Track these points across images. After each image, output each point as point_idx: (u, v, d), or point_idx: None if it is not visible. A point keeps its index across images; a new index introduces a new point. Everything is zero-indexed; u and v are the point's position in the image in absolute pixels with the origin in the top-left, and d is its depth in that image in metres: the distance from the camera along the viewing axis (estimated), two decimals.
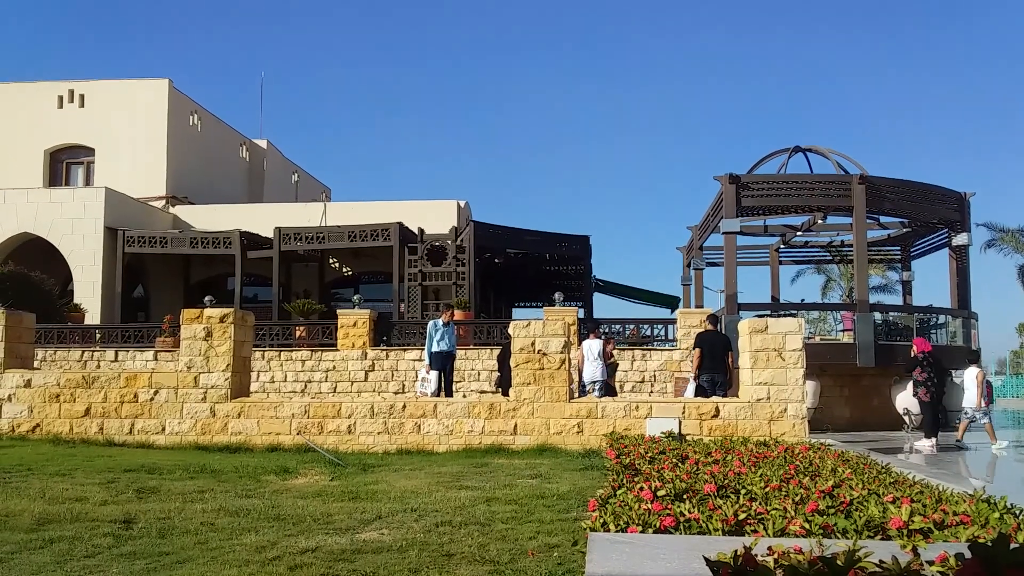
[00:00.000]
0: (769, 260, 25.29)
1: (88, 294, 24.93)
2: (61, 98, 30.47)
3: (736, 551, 2.91)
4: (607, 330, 20.15)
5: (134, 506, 7.33)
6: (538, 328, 12.41)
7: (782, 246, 24.75)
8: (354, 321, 20.15)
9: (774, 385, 11.84)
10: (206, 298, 20.53)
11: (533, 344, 12.31)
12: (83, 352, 20.51)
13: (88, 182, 29.59)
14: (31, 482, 8.58)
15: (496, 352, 17.38)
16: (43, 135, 30.14)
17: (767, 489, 4.67)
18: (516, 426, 12.13)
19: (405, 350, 19.86)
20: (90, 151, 30.37)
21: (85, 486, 8.35)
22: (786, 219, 22.63)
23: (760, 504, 4.17)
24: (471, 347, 19.83)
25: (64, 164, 30.60)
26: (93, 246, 25.25)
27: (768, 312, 19.73)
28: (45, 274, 23.05)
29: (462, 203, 29.45)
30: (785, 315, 16.79)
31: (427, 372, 14.85)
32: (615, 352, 16.38)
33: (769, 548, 2.98)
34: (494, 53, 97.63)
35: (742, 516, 3.86)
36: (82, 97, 30.47)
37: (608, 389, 14.74)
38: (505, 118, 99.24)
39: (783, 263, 26.30)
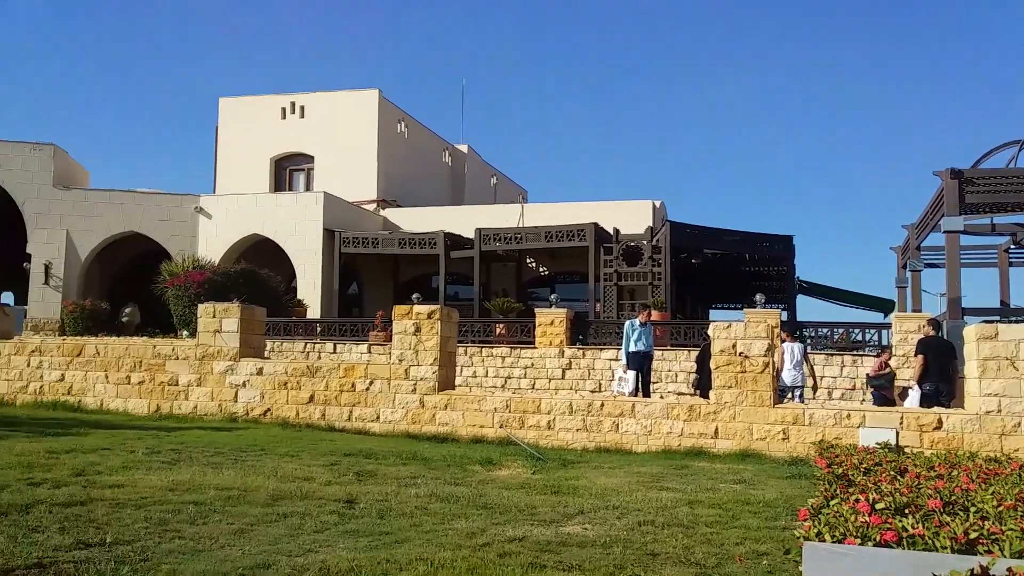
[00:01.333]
0: (997, 261, 23.21)
1: (309, 290, 26.95)
2: (284, 110, 33.11)
3: (972, 569, 2.74)
4: (813, 334, 19.30)
5: (355, 487, 7.89)
6: (739, 330, 12.10)
7: (1012, 246, 22.64)
8: (551, 320, 20.51)
9: (1006, 397, 10.87)
10: (413, 295, 21.62)
11: (734, 346, 12.02)
12: (305, 344, 22.21)
13: (308, 187, 31.97)
14: (264, 461, 9.42)
15: (694, 354, 17.11)
16: (269, 144, 32.89)
17: (1000, 508, 4.33)
18: (716, 429, 11.90)
19: (601, 349, 19.98)
20: (310, 158, 32.81)
21: (311, 467, 9.07)
22: (1017, 217, 20.69)
23: (993, 523, 3.89)
24: (668, 348, 19.64)
25: (287, 171, 33.26)
26: (313, 246, 27.27)
27: (997, 317, 18.12)
28: (272, 272, 25.16)
29: (657, 203, 29.20)
30: (1018, 321, 15.36)
31: (624, 372, 14.87)
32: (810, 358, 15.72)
33: (1009, 570, 2.78)
34: (690, 49, 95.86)
35: (973, 535, 3.62)
36: (302, 108, 32.97)
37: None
38: (702, 114, 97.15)
39: (1014, 265, 24.05)
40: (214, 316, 15.00)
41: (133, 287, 27.98)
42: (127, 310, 25.46)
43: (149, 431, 12.05)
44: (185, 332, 22.10)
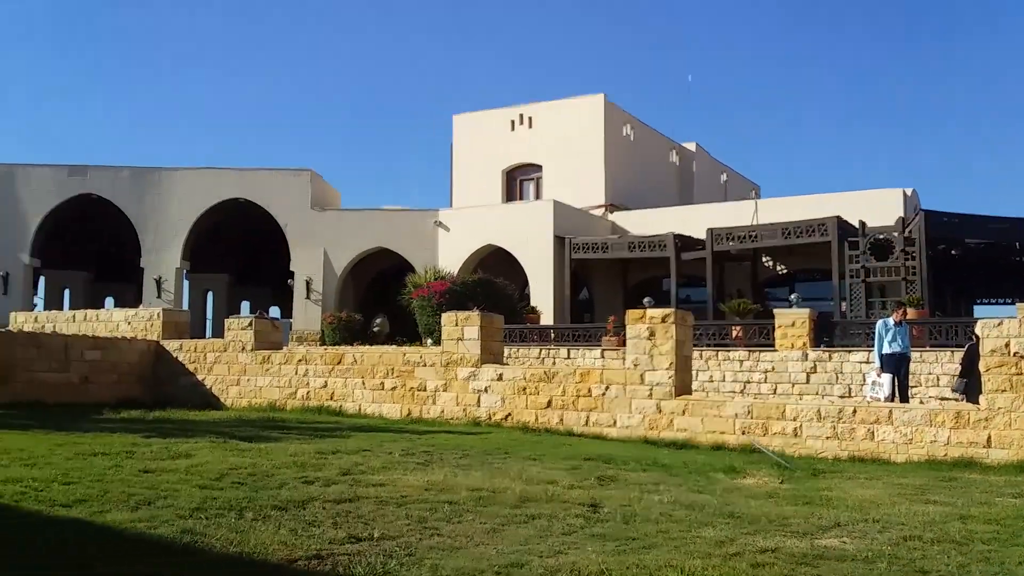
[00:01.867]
0: None
1: (542, 297, 27.59)
2: (513, 122, 34.17)
3: None
4: None
5: (597, 492, 7.93)
6: (1013, 327, 10.88)
7: None
8: (792, 321, 19.57)
9: None
10: (645, 299, 21.49)
11: (1007, 345, 10.83)
12: (540, 350, 22.73)
13: (538, 196, 32.78)
14: (509, 464, 9.71)
15: (958, 355, 15.62)
16: (500, 156, 34.08)
17: None
18: (989, 438, 10.76)
19: (849, 351, 18.77)
20: (538, 167, 33.62)
21: (553, 470, 9.24)
22: None
23: None
24: (926, 349, 18.07)
25: (518, 181, 34.29)
26: (544, 254, 27.89)
27: None
28: (507, 280, 26.02)
29: (908, 191, 27.01)
30: None
31: (877, 375, 13.87)
32: None
33: None
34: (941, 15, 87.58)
35: None
36: (530, 119, 33.87)
37: None
38: (952, 92, 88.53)
39: None
40: (456, 324, 15.72)
41: (381, 299, 30.09)
42: (378, 320, 27.38)
43: (403, 434, 12.83)
44: (429, 340, 23.39)
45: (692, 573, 5.06)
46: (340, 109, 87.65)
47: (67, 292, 34.86)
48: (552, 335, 23.97)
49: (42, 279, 33.74)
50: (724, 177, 40.99)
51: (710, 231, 25.54)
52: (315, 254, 29.91)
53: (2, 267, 30.16)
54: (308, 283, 29.78)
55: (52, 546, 5.36)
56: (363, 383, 16.68)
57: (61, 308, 31.81)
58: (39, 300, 33.23)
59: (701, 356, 20.36)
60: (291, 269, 30.14)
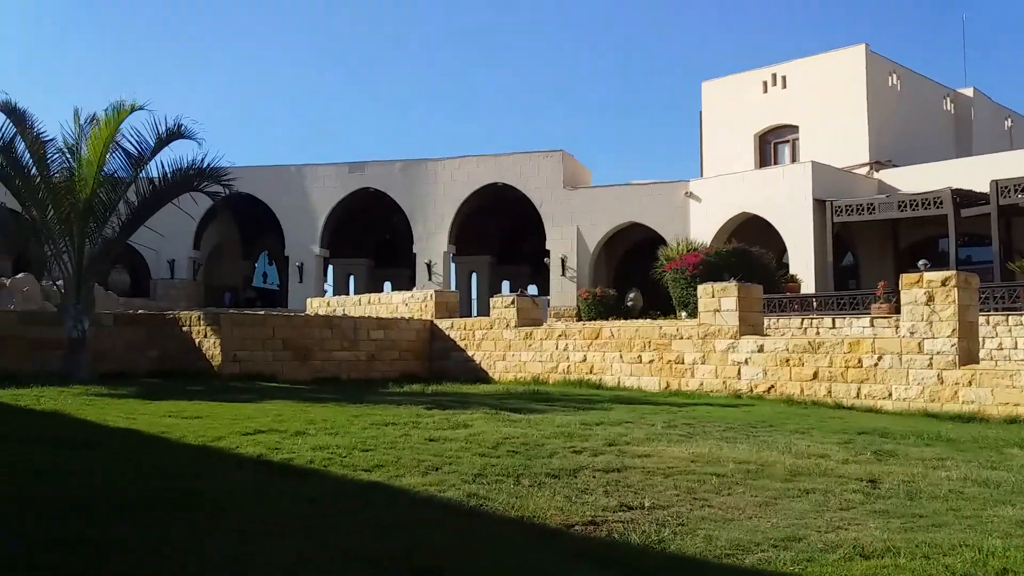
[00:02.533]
0: None
1: (801, 265, 26.35)
2: (765, 83, 32.73)
3: None
4: None
5: (875, 467, 7.56)
6: None
7: None
8: None
9: None
10: (920, 262, 19.83)
11: None
12: (802, 320, 21.76)
13: (794, 158, 31.23)
14: (775, 437, 9.50)
15: None
16: (752, 120, 32.83)
17: None
18: None
19: None
20: (794, 128, 31.99)
21: (823, 444, 8.91)
22: None
23: None
24: None
25: (772, 144, 32.86)
26: (803, 219, 26.57)
27: None
28: (763, 249, 25.12)
29: None
30: None
31: None
32: None
33: None
34: None
35: None
36: (783, 79, 32.26)
37: None
38: None
39: None
40: (712, 296, 15.51)
41: (633, 273, 30.23)
42: (631, 295, 27.59)
43: (661, 406, 12.93)
44: (684, 313, 23.21)
45: (992, 552, 4.73)
46: (588, 90, 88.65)
47: (352, 278, 38.43)
48: (814, 304, 22.86)
49: (330, 267, 37.43)
50: (1009, 123, 36.61)
51: (994, 183, 23.00)
52: (569, 232, 30.65)
53: (298, 258, 33.87)
54: (563, 260, 30.60)
55: (361, 506, 6.06)
56: (620, 356, 16.96)
57: (347, 293, 35.20)
58: (328, 287, 36.93)
59: (988, 322, 18.50)
60: (547, 248, 31.12)
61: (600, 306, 27.23)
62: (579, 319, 27.11)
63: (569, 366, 17.90)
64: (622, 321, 20.51)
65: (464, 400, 13.51)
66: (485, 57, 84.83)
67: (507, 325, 19.24)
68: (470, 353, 19.86)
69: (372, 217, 35.74)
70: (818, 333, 21.03)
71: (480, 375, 19.22)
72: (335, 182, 33.75)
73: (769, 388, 14.44)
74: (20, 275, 25.05)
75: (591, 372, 17.45)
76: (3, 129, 15.70)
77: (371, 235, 37.70)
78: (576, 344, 17.88)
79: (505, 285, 38.14)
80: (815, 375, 13.82)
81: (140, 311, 21.82)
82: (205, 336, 17.84)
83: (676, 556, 4.79)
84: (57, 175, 16.33)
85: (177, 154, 17.05)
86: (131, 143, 16.42)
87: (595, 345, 17.52)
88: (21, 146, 16.03)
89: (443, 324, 20.72)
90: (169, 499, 5.95)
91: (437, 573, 4.37)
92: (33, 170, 16.19)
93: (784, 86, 32.24)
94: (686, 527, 5.35)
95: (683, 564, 4.66)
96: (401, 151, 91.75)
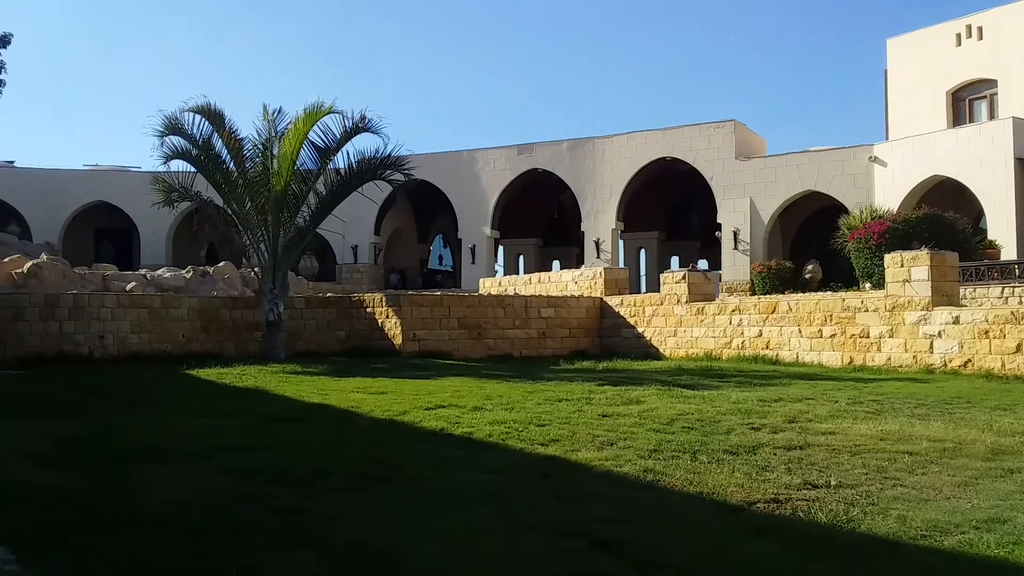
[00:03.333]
0: None
1: (1001, 229, 24.25)
2: (958, 36, 30.20)
3: None
4: None
5: None
6: None
7: None
8: None
9: None
10: None
11: None
12: (1002, 288, 20.06)
13: (992, 115, 28.69)
14: (973, 414, 8.86)
15: None
16: (943, 77, 30.41)
17: None
18: None
19: None
20: (991, 83, 29.37)
21: None
22: None
23: None
24: None
25: (966, 101, 30.33)
26: (1003, 180, 24.42)
27: None
28: (957, 213, 23.34)
29: None
30: None
31: None
32: None
33: None
34: None
35: None
36: (979, 30, 29.64)
37: None
38: None
39: None
40: (902, 265, 14.62)
41: (810, 244, 28.91)
42: (809, 267, 26.42)
43: (845, 382, 12.35)
44: (868, 284, 21.99)
45: None
46: (762, 56, 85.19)
47: (521, 258, 39.09)
48: (1016, 271, 21.00)
49: (500, 248, 38.23)
50: None
51: None
52: (741, 204, 29.70)
53: (470, 240, 34.82)
54: (735, 233, 29.71)
55: (539, 478, 6.22)
56: (799, 331, 16.33)
57: (517, 273, 35.84)
58: (499, 267, 37.74)
59: None
60: (718, 221, 30.32)
61: (775, 279, 26.28)
62: (753, 293, 26.27)
63: (743, 341, 17.42)
64: (800, 294, 19.72)
65: (635, 376, 13.47)
66: (651, 28, 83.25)
67: (678, 301, 18.95)
68: (640, 330, 19.74)
69: (540, 197, 36.13)
70: (1021, 302, 19.38)
71: (650, 352, 19.06)
72: (504, 164, 34.34)
73: (965, 362, 13.45)
74: (221, 263, 27.21)
75: (767, 347, 16.90)
76: (201, 128, 17.08)
77: (539, 215, 38.12)
78: (751, 319, 17.36)
79: (674, 261, 37.53)
80: (1018, 348, 12.74)
81: (328, 294, 23.19)
82: (387, 316, 18.74)
83: (867, 536, 4.59)
84: (252, 170, 17.60)
85: (359, 145, 17.94)
86: (320, 138, 17.46)
87: (771, 320, 16.94)
88: (219, 144, 17.38)
89: (612, 301, 20.69)
90: (363, 470, 6.34)
91: (618, 545, 4.42)
92: (231, 165, 17.52)
93: (980, 37, 29.62)
94: (877, 507, 5.12)
95: (875, 544, 4.46)
96: (568, 131, 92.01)
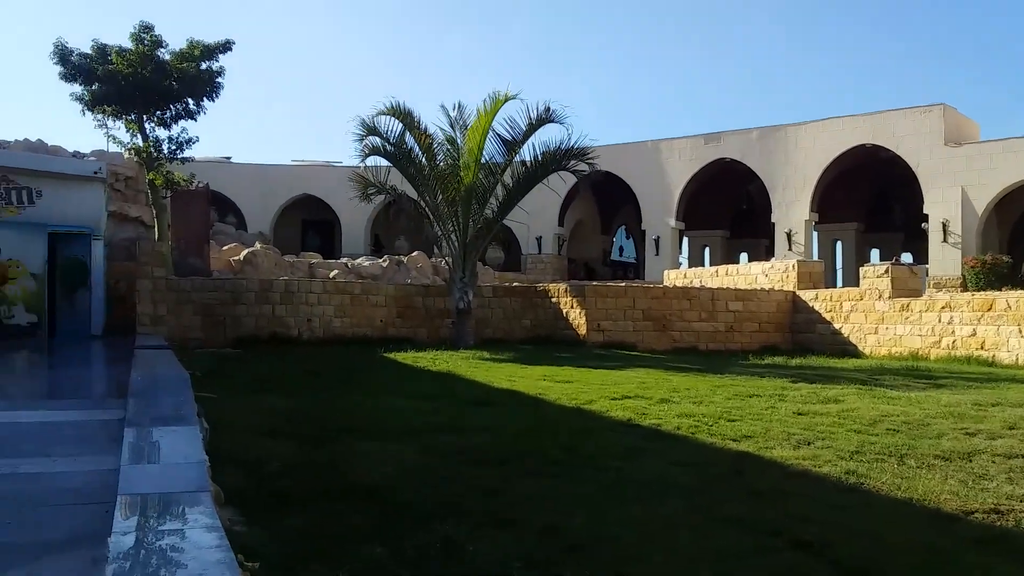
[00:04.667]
0: None
1: None
2: None
3: None
4: None
5: None
6: None
7: None
8: None
9: None
10: None
11: None
12: None
13: None
14: None
15: None
16: None
17: None
18: None
19: None
20: None
21: None
22: None
23: None
24: None
25: None
26: None
27: None
28: None
29: None
30: None
31: None
32: None
33: None
34: None
35: None
36: None
37: None
38: None
39: None
40: None
41: None
42: None
43: None
44: None
45: None
46: (972, 34, 78.43)
47: (706, 250, 38.21)
48: None
49: (685, 239, 37.54)
50: None
51: None
52: (951, 194, 27.52)
53: (654, 231, 34.44)
54: (944, 225, 27.57)
55: (732, 474, 6.09)
56: (1019, 331, 14.98)
57: (702, 265, 35.06)
58: (683, 259, 37.08)
59: None
60: (924, 212, 28.28)
61: (991, 275, 24.19)
62: (964, 289, 24.29)
63: (954, 341, 16.18)
64: (1020, 291, 18.07)
65: (832, 374, 12.87)
66: (848, 10, 78.65)
67: (879, 296, 17.88)
68: (836, 326, 18.79)
69: (728, 188, 35.12)
70: None
71: (847, 349, 18.10)
72: (690, 154, 33.65)
73: None
74: (414, 252, 28.47)
75: (982, 348, 15.61)
76: (394, 127, 17.96)
77: (726, 206, 37.07)
78: (963, 317, 16.09)
79: (874, 254, 35.35)
80: None
81: (514, 284, 23.71)
82: (571, 307, 18.91)
83: None
84: (442, 163, 18.29)
85: (542, 137, 18.21)
86: (505, 130, 17.90)
87: (987, 318, 15.63)
88: (411, 140, 18.18)
89: (806, 295, 19.81)
90: (554, 456, 6.47)
91: (821, 547, 4.27)
92: (422, 160, 18.29)
93: None
94: None
95: None
96: (757, 119, 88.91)
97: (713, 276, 23.87)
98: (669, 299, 19.35)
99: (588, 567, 3.94)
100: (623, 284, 21.97)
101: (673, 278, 25.23)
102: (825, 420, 8.18)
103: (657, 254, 34.25)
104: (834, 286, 28.61)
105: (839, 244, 35.50)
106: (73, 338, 16.31)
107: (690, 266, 34.08)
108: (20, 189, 16.41)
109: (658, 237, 34.41)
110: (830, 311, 19.00)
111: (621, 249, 42.28)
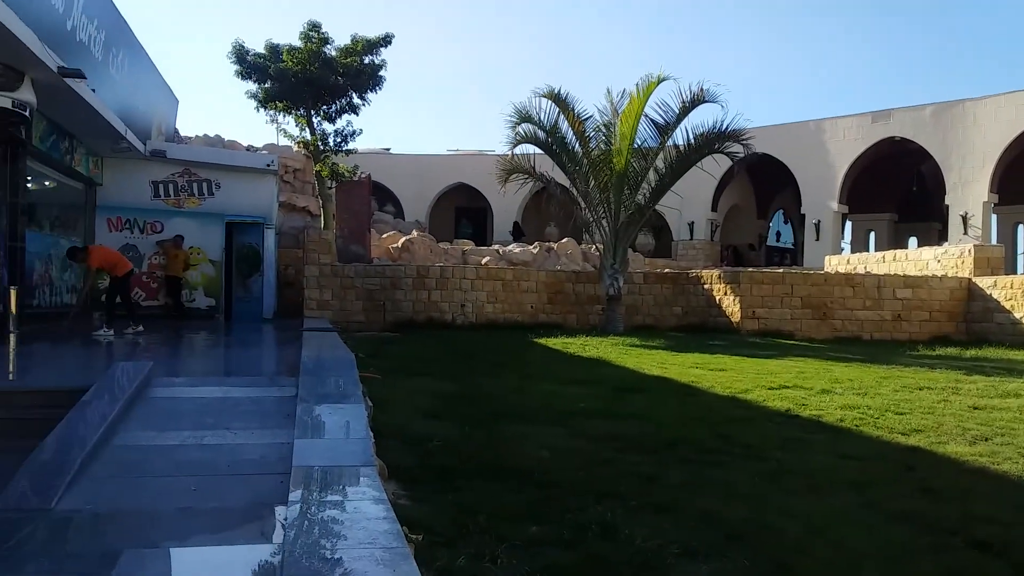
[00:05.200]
0: None
1: None
2: None
3: None
4: None
5: None
6: None
7: None
8: None
9: None
10: None
11: None
12: None
13: None
14: None
15: None
16: None
17: None
18: None
19: None
20: None
21: None
22: None
23: None
24: None
25: None
26: None
27: None
28: None
29: None
30: None
31: None
32: None
33: None
34: None
35: None
36: None
37: None
38: None
39: None
40: None
41: None
42: None
43: None
44: None
45: None
46: None
47: (871, 235, 36.27)
48: None
49: (848, 224, 35.77)
50: None
51: None
52: None
53: (814, 215, 33.00)
54: None
55: (902, 469, 5.79)
56: None
57: (866, 250, 33.28)
58: (845, 244, 35.37)
59: None
60: None
61: None
62: None
63: None
64: None
65: (1012, 367, 11.99)
66: None
67: None
68: (1018, 315, 17.39)
69: (896, 168, 33.13)
70: None
71: None
72: (856, 134, 31.96)
73: None
74: (564, 239, 28.57)
75: None
76: (549, 113, 18.01)
77: (894, 188, 34.98)
78: None
79: None
80: None
81: (665, 270, 23.37)
82: (724, 294, 18.45)
83: None
84: (595, 149, 18.23)
85: (695, 120, 17.81)
86: (657, 114, 17.65)
87: None
88: (564, 126, 18.21)
89: (984, 283, 18.43)
90: (709, 444, 6.36)
91: (1002, 549, 4.00)
92: (576, 147, 18.29)
93: None
94: None
95: None
96: (930, 95, 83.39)
97: (879, 262, 22.60)
98: (830, 286, 18.51)
99: (748, 556, 3.86)
100: (780, 270, 21.20)
101: (835, 264, 24.11)
102: (1005, 415, 7.64)
103: (817, 239, 32.85)
104: (1015, 272, 26.47)
105: (1021, 228, 32.86)
106: (247, 320, 17.44)
107: (852, 252, 32.48)
108: (201, 181, 17.67)
109: (818, 221, 32.99)
110: (1010, 299, 17.60)
111: (778, 234, 40.80)
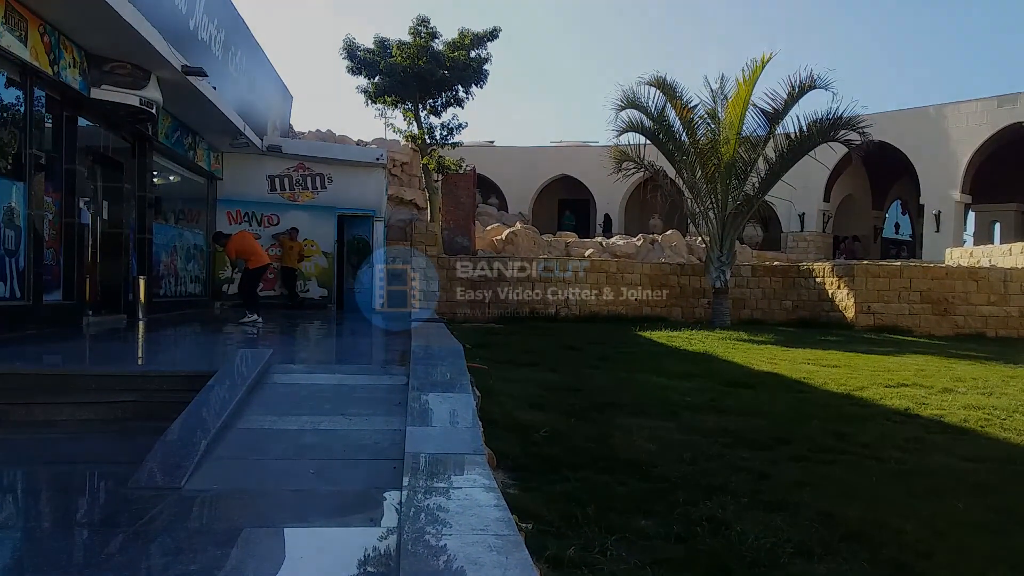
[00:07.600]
0: None
1: None
2: None
3: None
4: None
5: None
6: None
7: None
8: None
9: None
10: None
11: None
12: None
13: None
14: None
15: None
16: None
17: None
18: None
19: None
20: None
21: None
22: None
23: None
24: None
25: None
26: None
27: None
28: None
29: None
30: None
31: None
32: None
33: None
34: None
35: None
36: None
37: None
38: None
39: None
40: None
41: None
42: None
43: None
44: None
45: None
46: None
47: (996, 226, 34.33)
48: None
49: (971, 214, 33.97)
50: None
51: None
52: None
53: (934, 205, 31.44)
54: None
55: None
56: None
57: (990, 242, 31.51)
58: (968, 236, 33.58)
59: None
60: None
61: None
62: None
63: None
64: None
65: None
66: None
67: None
68: None
69: (1023, 156, 31.27)
70: None
71: None
72: (980, 119, 30.27)
73: None
74: (668, 231, 28.17)
75: None
76: (655, 100, 17.74)
77: (1021, 176, 32.99)
78: None
79: None
80: None
81: (774, 263, 22.77)
82: (837, 287, 17.84)
83: None
84: (702, 138, 17.89)
85: (806, 107, 17.22)
86: (765, 101, 17.17)
87: None
88: (671, 115, 17.92)
89: None
90: (823, 442, 6.19)
91: None
92: (683, 136, 17.98)
93: None
94: None
95: None
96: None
97: (1005, 255, 21.39)
98: (952, 280, 17.66)
99: (866, 558, 3.74)
100: (898, 263, 20.35)
101: (956, 257, 22.97)
102: None
103: (938, 231, 31.30)
104: None
105: None
106: (357, 310, 17.92)
107: (976, 244, 30.83)
108: (315, 175, 18.23)
109: (939, 212, 31.43)
110: None
111: (897, 226, 39.08)
